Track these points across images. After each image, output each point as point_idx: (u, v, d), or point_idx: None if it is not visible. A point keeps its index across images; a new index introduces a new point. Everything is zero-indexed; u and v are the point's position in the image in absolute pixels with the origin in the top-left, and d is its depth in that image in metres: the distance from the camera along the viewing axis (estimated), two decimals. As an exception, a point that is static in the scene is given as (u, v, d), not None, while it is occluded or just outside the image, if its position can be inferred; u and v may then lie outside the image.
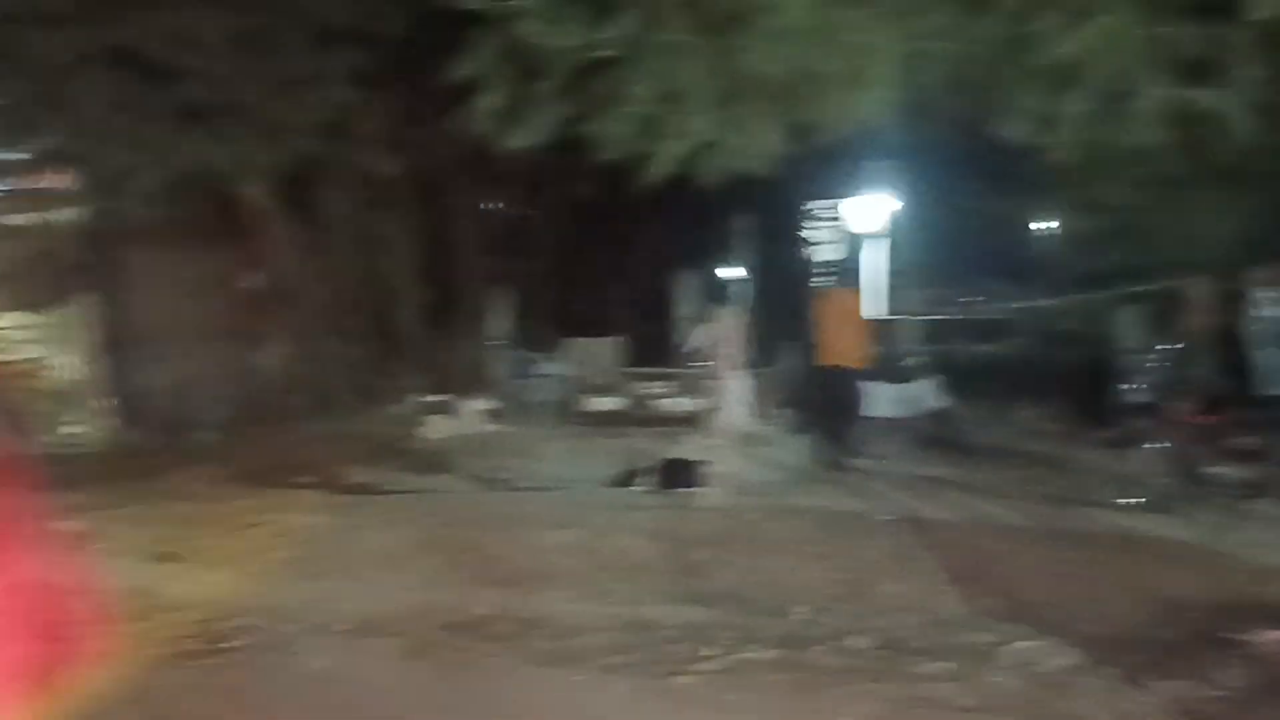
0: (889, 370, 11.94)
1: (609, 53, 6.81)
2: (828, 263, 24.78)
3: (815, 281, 22.85)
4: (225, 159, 13.13)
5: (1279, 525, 7.67)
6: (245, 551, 7.35)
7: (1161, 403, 8.40)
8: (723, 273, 22.34)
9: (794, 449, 10.95)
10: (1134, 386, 8.60)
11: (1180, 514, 8.07)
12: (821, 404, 10.70)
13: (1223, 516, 7.77)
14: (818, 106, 6.53)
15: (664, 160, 7.26)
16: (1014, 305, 20.36)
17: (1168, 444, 8.25)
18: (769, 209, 21.15)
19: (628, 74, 6.84)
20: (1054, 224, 19.37)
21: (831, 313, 10.73)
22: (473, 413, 13.88)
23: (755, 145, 7.04)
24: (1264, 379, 10.05)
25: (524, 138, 7.35)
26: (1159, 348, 8.82)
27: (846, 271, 19.56)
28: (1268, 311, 11.13)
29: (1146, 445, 8.38)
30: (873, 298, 14.73)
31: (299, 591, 6.39)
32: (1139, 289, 13.55)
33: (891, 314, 16.15)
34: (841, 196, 18.20)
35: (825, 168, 15.77)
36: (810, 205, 26.31)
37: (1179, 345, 9.27)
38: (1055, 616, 5.81)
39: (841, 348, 10.15)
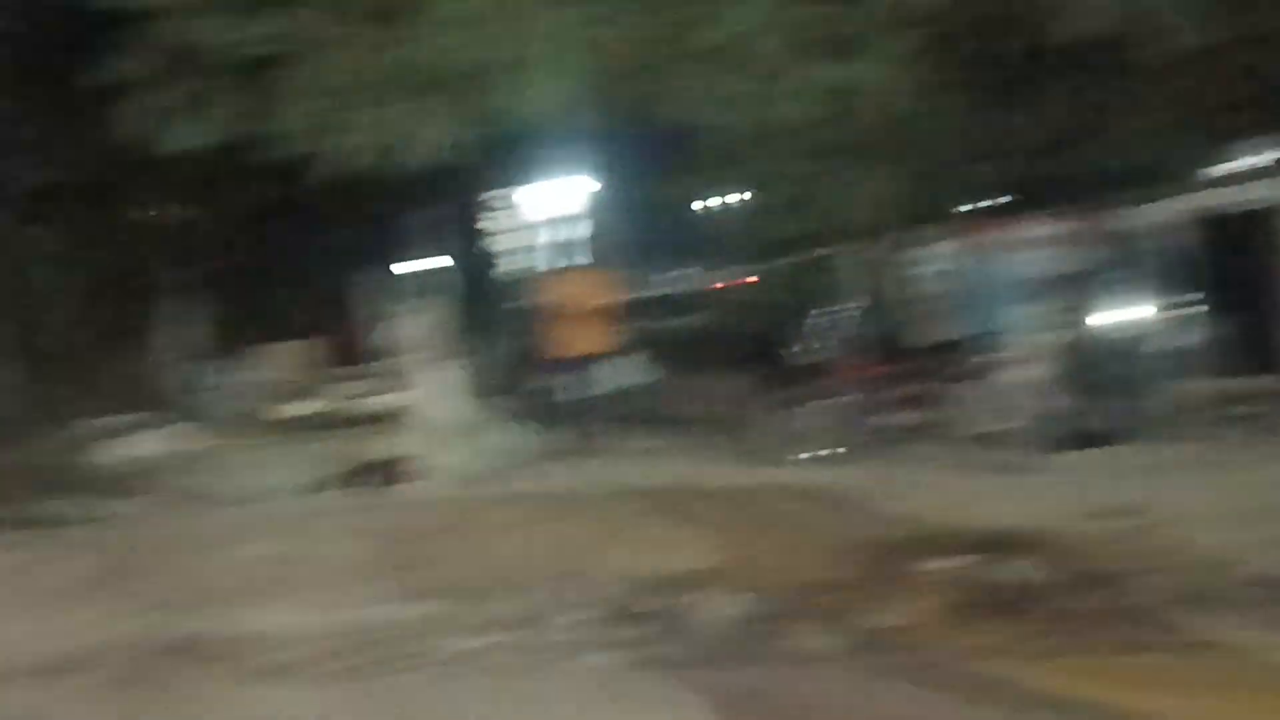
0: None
1: (277, 47, 6.56)
2: (535, 248, 24.63)
3: (513, 269, 22.79)
4: None
5: (935, 466, 8.42)
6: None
7: (834, 360, 8.95)
8: (416, 266, 21.94)
9: (512, 435, 10.95)
10: (810, 347, 9.13)
11: (853, 463, 8.71)
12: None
13: (890, 461, 8.44)
14: (491, 94, 6.54)
15: (339, 155, 7.05)
16: (704, 280, 21.13)
17: (840, 398, 8.84)
18: (459, 199, 20.97)
19: (298, 68, 6.61)
20: (736, 199, 20.13)
21: (568, 299, 10.55)
22: (154, 431, 13.01)
23: (431, 135, 6.98)
24: (926, 331, 11.00)
25: (190, 138, 6.96)
26: (831, 309, 9.39)
27: (559, 256, 19.47)
28: (928, 269, 12.18)
29: (821, 401, 8.92)
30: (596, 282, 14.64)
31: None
32: (813, 255, 14.46)
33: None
34: (533, 182, 18.08)
35: (514, 154, 15.78)
36: (501, 192, 26.19)
37: (849, 305, 9.92)
38: (762, 568, 6.08)
39: (582, 335, 10.07)
